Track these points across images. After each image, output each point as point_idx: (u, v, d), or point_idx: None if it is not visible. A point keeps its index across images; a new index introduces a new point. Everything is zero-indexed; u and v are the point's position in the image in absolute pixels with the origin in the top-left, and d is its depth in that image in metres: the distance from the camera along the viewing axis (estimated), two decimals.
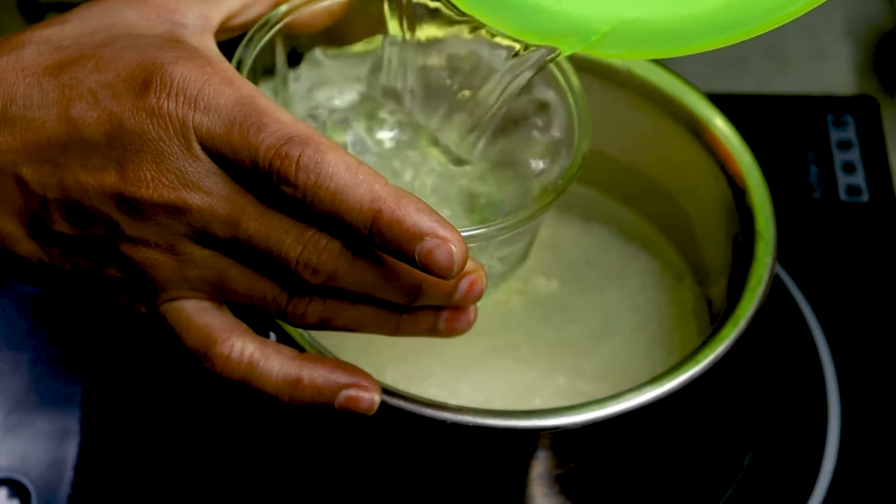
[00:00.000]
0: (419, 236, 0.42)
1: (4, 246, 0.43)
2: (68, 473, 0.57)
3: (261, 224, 0.42)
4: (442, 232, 0.41)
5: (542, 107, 0.50)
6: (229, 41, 0.48)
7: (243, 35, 0.48)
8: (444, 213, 0.45)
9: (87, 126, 0.41)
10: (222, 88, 0.41)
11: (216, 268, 0.43)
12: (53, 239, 0.43)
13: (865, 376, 0.61)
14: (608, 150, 0.61)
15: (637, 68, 0.58)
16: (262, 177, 0.41)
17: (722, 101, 0.57)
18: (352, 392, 0.46)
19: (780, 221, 0.54)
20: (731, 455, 0.57)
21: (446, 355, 0.56)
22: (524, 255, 0.50)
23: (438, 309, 0.46)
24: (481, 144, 0.50)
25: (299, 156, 0.40)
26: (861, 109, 0.70)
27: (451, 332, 0.45)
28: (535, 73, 0.47)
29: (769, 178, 0.55)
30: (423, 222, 0.41)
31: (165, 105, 0.41)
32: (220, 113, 0.41)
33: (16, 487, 0.57)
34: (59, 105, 0.42)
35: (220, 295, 0.44)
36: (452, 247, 0.41)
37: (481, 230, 0.45)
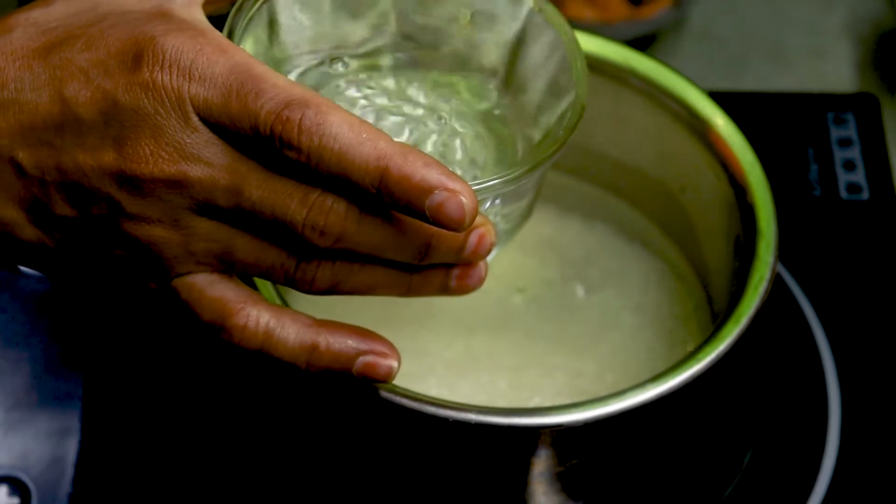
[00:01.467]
0: (428, 190, 0.41)
1: (7, 232, 0.43)
2: (69, 471, 0.57)
3: (264, 190, 0.41)
4: (451, 184, 0.41)
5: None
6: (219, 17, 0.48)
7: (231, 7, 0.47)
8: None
9: (80, 105, 0.41)
10: (216, 57, 0.41)
11: (222, 239, 0.42)
12: (56, 223, 0.42)
13: (866, 374, 0.61)
14: (610, 148, 0.61)
15: (639, 66, 0.58)
16: (264, 142, 0.40)
17: (723, 100, 0.57)
18: (370, 359, 0.45)
19: (780, 219, 0.54)
20: (731, 453, 0.57)
21: (447, 354, 0.56)
22: (529, 212, 0.50)
23: (449, 267, 0.45)
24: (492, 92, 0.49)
25: (300, 118, 0.40)
26: (861, 107, 0.70)
27: (462, 289, 0.45)
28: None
29: (770, 176, 0.55)
30: (432, 176, 0.41)
31: (159, 78, 0.41)
32: (216, 82, 0.41)
33: (16, 485, 0.57)
34: (51, 86, 0.41)
35: (229, 267, 0.43)
36: (463, 198, 0.41)
37: (488, 183, 0.45)
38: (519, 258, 0.61)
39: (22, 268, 0.63)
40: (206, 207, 0.42)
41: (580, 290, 0.60)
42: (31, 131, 0.42)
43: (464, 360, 0.57)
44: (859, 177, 0.67)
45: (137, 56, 0.41)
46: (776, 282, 0.53)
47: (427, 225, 0.43)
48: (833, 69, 0.75)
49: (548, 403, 0.54)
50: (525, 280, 0.60)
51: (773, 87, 0.73)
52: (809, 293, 0.63)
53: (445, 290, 0.46)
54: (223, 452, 0.58)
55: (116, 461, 0.58)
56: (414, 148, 0.41)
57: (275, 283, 0.45)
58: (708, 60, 0.74)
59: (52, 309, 0.62)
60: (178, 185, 0.41)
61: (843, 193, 0.67)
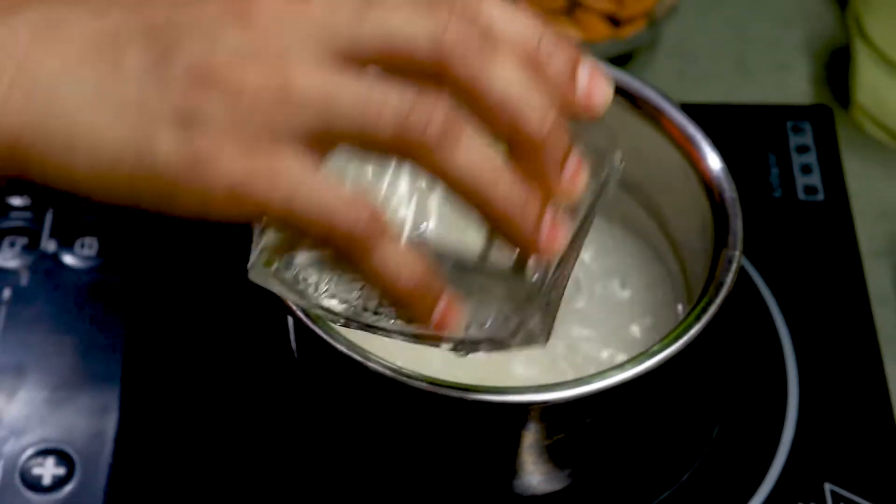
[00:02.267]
0: (580, 59, 0.40)
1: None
2: (109, 444, 0.58)
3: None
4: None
5: None
6: None
7: None
8: None
9: None
10: None
11: (326, 90, 0.37)
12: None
13: (821, 356, 0.62)
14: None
15: (619, 79, 0.57)
16: None
17: (693, 110, 0.58)
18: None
19: (744, 217, 0.54)
20: (701, 427, 0.59)
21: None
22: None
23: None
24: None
25: None
26: (817, 117, 0.71)
27: (572, 186, 0.40)
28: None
29: (735, 179, 0.56)
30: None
31: None
32: None
33: (62, 456, 0.58)
34: None
35: (324, 140, 0.38)
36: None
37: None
38: None
39: (67, 261, 0.64)
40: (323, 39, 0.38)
41: (573, 290, 0.59)
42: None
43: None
44: (815, 180, 0.68)
45: None
46: (741, 273, 0.53)
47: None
48: (792, 83, 0.75)
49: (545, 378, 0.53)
50: None
51: (738, 98, 0.74)
52: (771, 284, 0.64)
53: (554, 189, 0.41)
54: (246, 430, 0.59)
55: (152, 435, 0.58)
56: None
57: (375, 145, 0.38)
58: (680, 75, 0.75)
59: (93, 299, 0.63)
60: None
61: (801, 195, 0.68)
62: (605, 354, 0.57)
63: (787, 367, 0.61)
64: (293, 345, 0.59)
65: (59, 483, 0.57)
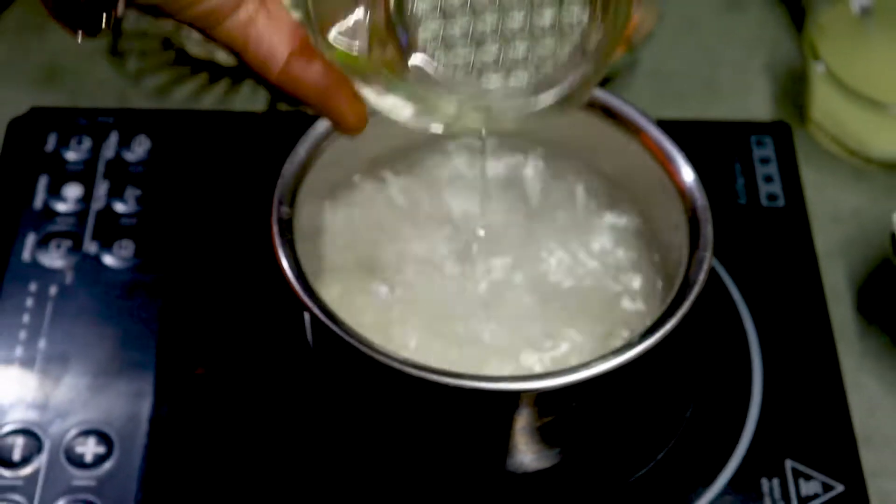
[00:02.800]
0: None
1: None
2: (144, 426, 0.59)
3: None
4: None
5: None
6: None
7: None
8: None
9: None
10: None
11: None
12: None
13: (783, 346, 0.63)
14: (592, 165, 0.61)
15: (604, 98, 0.59)
16: None
17: (669, 126, 0.59)
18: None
19: (713, 221, 0.56)
20: (675, 410, 0.61)
21: (445, 329, 0.57)
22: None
23: None
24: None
25: None
26: (777, 132, 0.72)
27: None
28: None
29: (706, 188, 0.57)
30: None
31: None
32: None
33: (102, 437, 0.59)
34: None
35: None
36: None
37: None
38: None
39: (106, 262, 0.65)
40: None
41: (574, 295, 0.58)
42: None
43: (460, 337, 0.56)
44: (776, 188, 0.69)
45: None
46: (711, 272, 0.54)
47: None
48: (755, 101, 0.76)
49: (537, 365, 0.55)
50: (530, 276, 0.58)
51: (708, 115, 0.75)
52: (738, 281, 0.65)
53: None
54: (266, 414, 0.59)
55: (182, 418, 0.60)
56: None
57: None
58: (656, 94, 0.76)
59: (130, 296, 0.65)
60: None
61: (764, 202, 0.69)
62: (593, 345, 0.58)
63: (752, 356, 0.63)
64: (309, 337, 0.60)
65: (99, 460, 0.58)
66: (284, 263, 0.53)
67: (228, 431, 0.59)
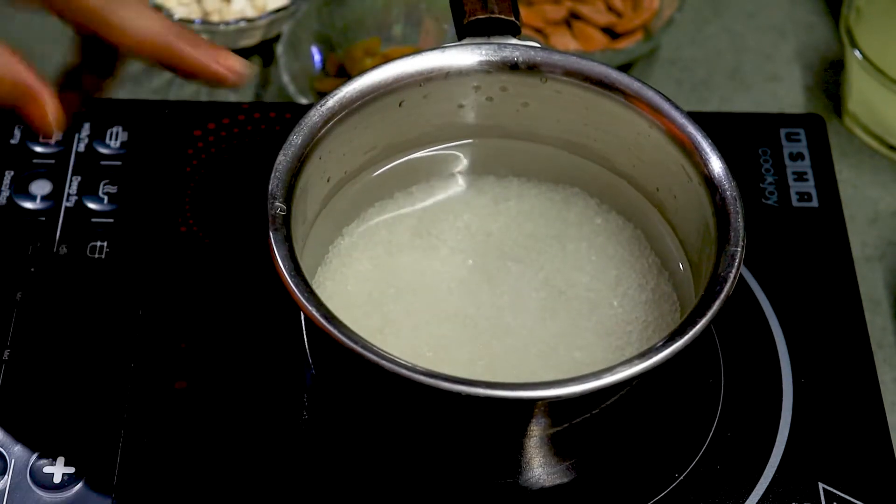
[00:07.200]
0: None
1: None
2: (118, 445, 0.58)
3: None
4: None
5: None
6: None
7: None
8: None
9: None
10: None
11: None
12: None
13: (815, 358, 0.62)
14: (598, 155, 0.61)
15: (620, 80, 0.57)
16: None
17: (692, 118, 0.57)
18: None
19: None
20: (698, 427, 0.59)
21: (450, 334, 0.57)
22: None
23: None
24: None
25: None
26: (811, 126, 0.71)
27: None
28: None
29: None
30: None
31: None
32: None
33: (72, 456, 0.57)
34: None
35: None
36: None
37: None
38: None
39: (77, 265, 0.63)
40: None
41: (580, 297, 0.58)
42: None
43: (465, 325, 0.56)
44: (809, 187, 0.68)
45: None
46: (738, 279, 0.52)
47: None
48: (786, 92, 0.76)
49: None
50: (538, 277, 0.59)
51: (733, 107, 0.74)
52: (766, 288, 0.64)
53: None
54: (257, 428, 0.58)
55: (162, 437, 0.58)
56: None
57: None
58: (677, 84, 0.76)
59: (104, 302, 0.63)
60: None
61: (795, 201, 0.68)
62: (607, 353, 0.57)
63: (781, 368, 0.62)
64: (305, 343, 0.60)
65: (69, 482, 0.57)
66: (282, 264, 0.52)
67: (212, 452, 0.58)
